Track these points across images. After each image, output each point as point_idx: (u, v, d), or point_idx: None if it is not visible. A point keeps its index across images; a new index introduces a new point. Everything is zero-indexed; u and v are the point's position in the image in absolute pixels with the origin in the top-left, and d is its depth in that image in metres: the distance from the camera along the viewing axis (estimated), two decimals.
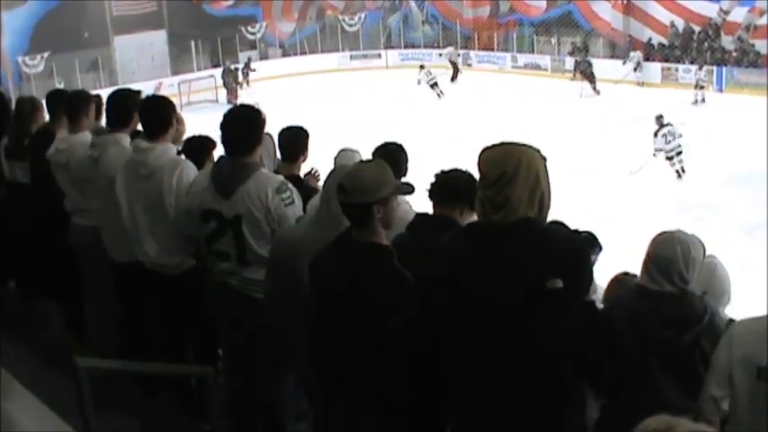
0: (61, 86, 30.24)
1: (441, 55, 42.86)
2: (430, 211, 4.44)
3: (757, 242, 15.46)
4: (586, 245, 3.20)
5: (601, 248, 4.72)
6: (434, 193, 4.43)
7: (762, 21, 33.56)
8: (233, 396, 5.08)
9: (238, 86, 38.68)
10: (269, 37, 46.74)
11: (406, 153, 5.27)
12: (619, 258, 5.11)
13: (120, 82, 37.65)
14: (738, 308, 4.26)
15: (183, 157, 5.42)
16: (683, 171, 21.05)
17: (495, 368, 3.17)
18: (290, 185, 4.69)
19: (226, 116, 4.73)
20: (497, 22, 43.79)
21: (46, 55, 38.89)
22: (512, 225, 3.09)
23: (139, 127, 5.64)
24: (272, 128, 5.62)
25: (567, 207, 5.13)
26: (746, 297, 5.27)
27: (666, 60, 35.88)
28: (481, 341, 3.18)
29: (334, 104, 32.87)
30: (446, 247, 3.42)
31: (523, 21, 42.93)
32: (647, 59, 36.09)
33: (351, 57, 46.13)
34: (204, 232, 4.78)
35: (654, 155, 21.03)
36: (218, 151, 5.22)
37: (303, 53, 46.59)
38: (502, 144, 3.24)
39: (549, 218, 3.29)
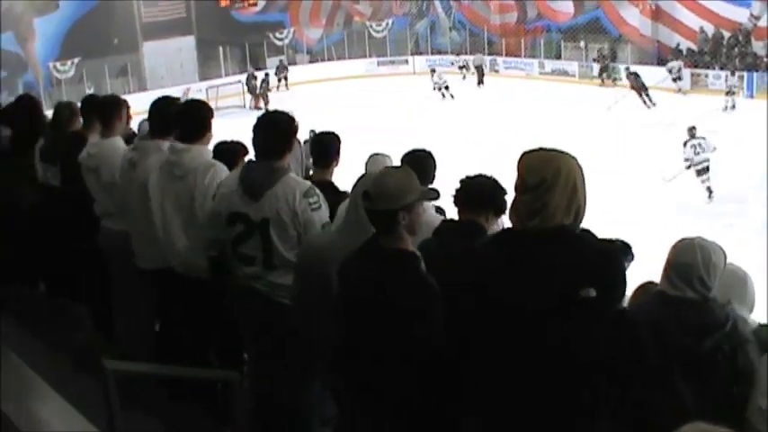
0: (91, 91, 30.57)
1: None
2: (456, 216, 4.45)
3: None
4: (621, 253, 3.18)
5: (633, 257, 4.69)
6: (459, 198, 4.44)
7: None
8: (258, 401, 5.09)
9: (268, 91, 38.78)
10: (296, 43, 46.92)
11: (434, 160, 5.30)
12: (644, 265, 5.08)
13: (148, 87, 38.03)
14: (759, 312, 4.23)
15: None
16: (712, 191, 20.41)
17: (523, 377, 3.13)
18: (317, 191, 4.70)
19: (259, 120, 4.78)
20: (525, 28, 43.69)
21: (76, 60, 39.27)
22: (547, 232, 3.07)
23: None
24: (300, 133, 5.64)
25: (595, 213, 5.10)
26: None
27: (695, 66, 35.61)
28: (509, 349, 3.15)
29: (362, 110, 32.91)
30: (474, 254, 3.41)
31: (551, 27, 42.81)
32: (674, 59, 35.83)
33: (378, 63, 46.20)
34: (230, 235, 4.80)
35: (688, 167, 20.58)
36: (250, 157, 5.25)
37: (330, 59, 46.71)
38: (540, 150, 3.21)
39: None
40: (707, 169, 20.43)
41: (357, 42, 47.79)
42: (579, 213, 3.14)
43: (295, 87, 41.27)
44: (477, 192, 4.40)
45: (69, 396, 3.93)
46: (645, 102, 32.05)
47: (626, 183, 20.94)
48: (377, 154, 5.98)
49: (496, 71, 42.80)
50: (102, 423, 4.03)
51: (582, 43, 40.87)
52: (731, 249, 3.91)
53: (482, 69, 41.34)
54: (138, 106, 6.57)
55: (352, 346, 3.71)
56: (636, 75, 32.83)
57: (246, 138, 5.52)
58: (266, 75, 39.64)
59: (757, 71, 33.09)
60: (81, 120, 6.97)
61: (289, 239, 4.64)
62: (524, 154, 3.18)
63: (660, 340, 3.59)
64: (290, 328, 4.57)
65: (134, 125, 6.88)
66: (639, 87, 32.41)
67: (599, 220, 3.32)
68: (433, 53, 46.44)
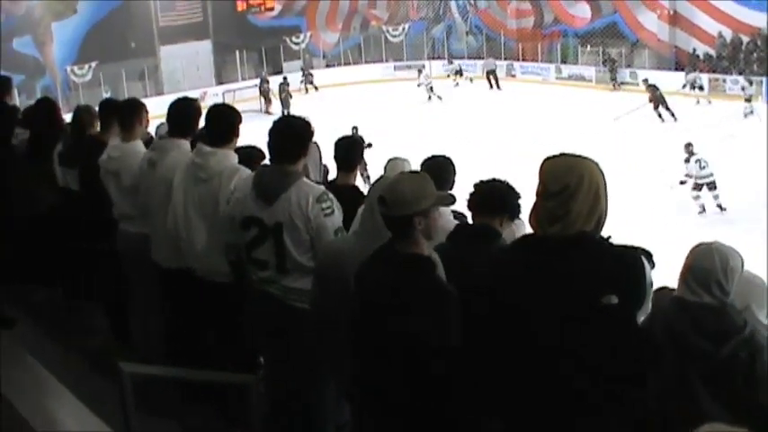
0: (108, 95, 30.69)
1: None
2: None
3: None
4: (644, 261, 3.16)
5: (653, 265, 4.68)
6: (473, 202, 4.46)
7: None
8: (273, 405, 5.09)
9: (290, 96, 38.89)
10: (313, 47, 46.96)
11: (453, 165, 5.31)
12: (660, 271, 5.06)
13: (165, 91, 38.17)
14: None
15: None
16: (723, 208, 20.27)
17: (540, 382, 3.13)
18: (330, 195, 4.69)
19: (275, 124, 4.78)
20: (541, 33, 43.61)
21: (94, 64, 39.48)
22: (568, 238, 3.06)
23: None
24: (322, 138, 5.67)
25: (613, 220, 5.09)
26: None
27: (713, 71, 35.46)
28: (527, 354, 3.15)
29: (379, 115, 32.93)
30: (494, 259, 3.41)
31: (568, 31, 42.70)
32: (694, 70, 35.71)
33: (395, 67, 46.19)
34: (245, 239, 4.80)
35: (682, 182, 20.37)
36: (266, 162, 5.27)
37: (347, 64, 46.76)
38: (563, 155, 3.20)
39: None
40: (715, 185, 20.33)
41: (374, 47, 47.82)
42: (601, 220, 3.13)
43: (310, 92, 41.35)
44: (491, 196, 4.42)
45: (84, 397, 3.95)
46: (660, 115, 30.78)
47: (642, 187, 20.85)
48: (395, 158, 5.99)
49: (513, 76, 42.73)
50: (116, 424, 4.04)
51: (599, 49, 40.74)
52: (748, 255, 3.88)
53: (495, 74, 41.53)
54: (156, 110, 6.60)
55: (369, 351, 3.71)
56: (654, 87, 31.54)
57: (261, 142, 5.55)
58: (285, 78, 39.65)
59: None
60: (98, 123, 7.00)
61: (302, 244, 4.64)
62: (547, 160, 3.17)
63: (678, 346, 3.57)
64: (306, 332, 4.57)
65: (151, 129, 6.89)
66: (658, 100, 31.06)
67: (616, 226, 3.29)
68: (449, 58, 46.36)
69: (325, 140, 6.13)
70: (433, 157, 5.38)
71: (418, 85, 39.15)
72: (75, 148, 6.98)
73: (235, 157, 5.34)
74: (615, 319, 3.02)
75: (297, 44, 46.31)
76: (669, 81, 34.40)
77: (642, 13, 38.96)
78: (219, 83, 43.00)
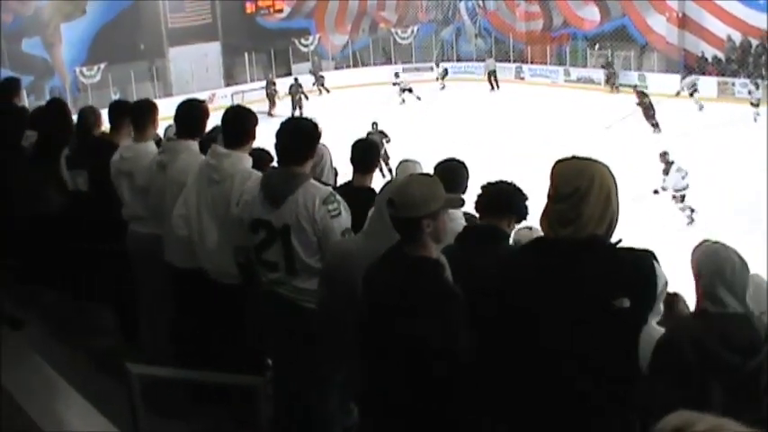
0: (117, 97, 30.76)
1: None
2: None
3: None
4: (655, 265, 3.16)
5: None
6: (481, 204, 4.47)
7: None
8: (282, 407, 5.08)
9: (303, 97, 38.98)
10: (321, 49, 46.98)
11: (467, 169, 5.31)
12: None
13: (174, 93, 38.17)
14: None
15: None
16: (694, 210, 20.00)
17: (550, 385, 3.12)
18: (338, 197, 4.69)
19: (282, 125, 4.78)
20: (550, 36, 43.56)
21: (103, 66, 39.52)
22: (580, 241, 3.05)
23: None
24: (331, 140, 5.67)
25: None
26: None
27: (722, 75, 35.37)
28: (536, 357, 3.14)
29: (387, 117, 32.91)
30: (505, 261, 3.40)
31: (577, 34, 42.64)
32: (701, 73, 35.65)
33: (403, 69, 46.17)
34: (254, 242, 4.80)
35: (656, 191, 20.17)
36: (274, 164, 5.27)
37: (356, 66, 46.76)
38: (574, 158, 3.20)
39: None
40: (685, 196, 20.05)
41: (382, 49, 47.82)
42: (612, 223, 3.13)
43: (323, 93, 41.38)
44: (498, 197, 4.46)
45: (92, 398, 3.95)
46: (651, 123, 29.63)
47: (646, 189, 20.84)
48: (406, 160, 6.01)
49: (522, 78, 42.69)
50: (124, 425, 4.04)
51: (609, 52, 40.68)
52: (749, 255, 3.87)
53: (495, 75, 41.88)
54: (164, 111, 6.60)
55: (376, 352, 3.71)
56: (643, 93, 30.63)
57: (263, 143, 5.57)
58: (296, 79, 39.68)
59: None
60: (104, 125, 7.02)
61: (310, 245, 4.64)
62: (558, 162, 3.17)
63: (703, 358, 3.52)
64: (314, 333, 4.57)
65: (159, 131, 6.89)
66: (646, 107, 29.95)
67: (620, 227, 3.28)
68: (458, 60, 46.36)
69: (335, 142, 6.13)
70: (447, 160, 5.39)
71: (393, 83, 40.06)
72: (81, 149, 6.99)
73: (249, 161, 5.34)
74: (627, 323, 3.01)
75: (306, 46, 46.32)
76: (678, 84, 34.37)
77: (651, 16, 38.88)
78: (228, 84, 43.04)
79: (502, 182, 4.60)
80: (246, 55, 43.70)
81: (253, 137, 5.39)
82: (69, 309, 7.31)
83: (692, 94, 33.31)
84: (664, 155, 20.33)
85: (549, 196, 3.14)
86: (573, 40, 42.80)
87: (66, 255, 7.12)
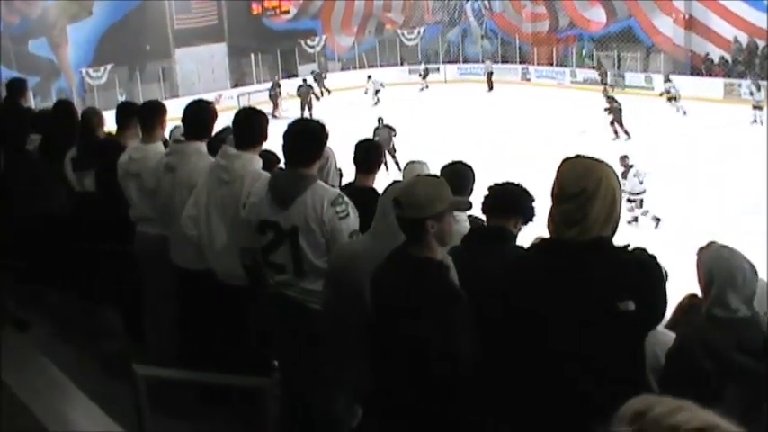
0: (123, 98, 30.83)
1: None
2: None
3: None
4: (661, 268, 3.15)
5: (667, 274, 4.67)
6: (488, 205, 4.47)
7: None
8: (288, 408, 5.08)
9: (316, 98, 39.11)
10: (328, 51, 47.02)
11: (473, 172, 5.30)
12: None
13: (180, 94, 38.27)
14: None
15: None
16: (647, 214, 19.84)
17: (554, 386, 3.11)
18: (345, 199, 4.68)
19: (289, 127, 4.76)
20: (557, 37, 43.56)
21: (109, 67, 39.57)
22: (588, 243, 3.04)
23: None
24: (336, 141, 5.67)
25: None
26: None
27: (729, 76, 35.31)
28: (542, 358, 3.13)
29: (393, 119, 32.93)
30: (510, 262, 3.39)
31: (583, 35, 42.65)
32: (708, 75, 35.60)
33: (409, 71, 46.21)
34: (261, 244, 4.80)
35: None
36: (281, 166, 5.26)
37: (362, 67, 46.78)
38: (580, 158, 3.19)
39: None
40: (643, 201, 19.85)
41: (389, 50, 47.85)
42: (617, 225, 3.12)
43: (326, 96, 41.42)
44: (505, 198, 4.45)
45: (99, 399, 3.94)
46: (615, 132, 28.98)
47: (658, 191, 20.83)
48: (413, 161, 6.01)
49: (528, 80, 42.72)
50: (129, 426, 4.04)
51: (615, 53, 40.67)
52: (749, 255, 3.86)
53: (491, 76, 42.36)
54: (171, 113, 6.61)
55: (383, 353, 3.70)
56: (612, 98, 29.95)
57: (270, 145, 5.56)
58: (305, 81, 39.73)
59: None
60: (105, 125, 7.04)
61: (318, 247, 4.62)
62: (565, 161, 3.16)
63: (717, 362, 3.51)
64: (322, 334, 4.56)
65: (166, 132, 6.90)
66: (615, 113, 29.30)
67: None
68: (464, 61, 46.40)
69: (340, 144, 6.13)
70: (453, 163, 5.39)
71: (365, 92, 40.52)
72: (85, 150, 6.99)
73: (259, 162, 5.33)
74: (631, 325, 3.00)
75: (312, 47, 46.40)
76: (684, 85, 34.33)
77: (657, 18, 38.84)
78: (234, 86, 43.09)
79: (509, 183, 4.60)
80: (253, 56, 43.76)
81: (264, 138, 5.39)
82: (75, 310, 7.32)
83: (669, 100, 33.08)
84: (623, 158, 20.00)
85: (554, 196, 3.13)
86: (579, 42, 42.80)
87: (72, 255, 7.12)
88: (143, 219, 6.20)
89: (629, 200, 19.35)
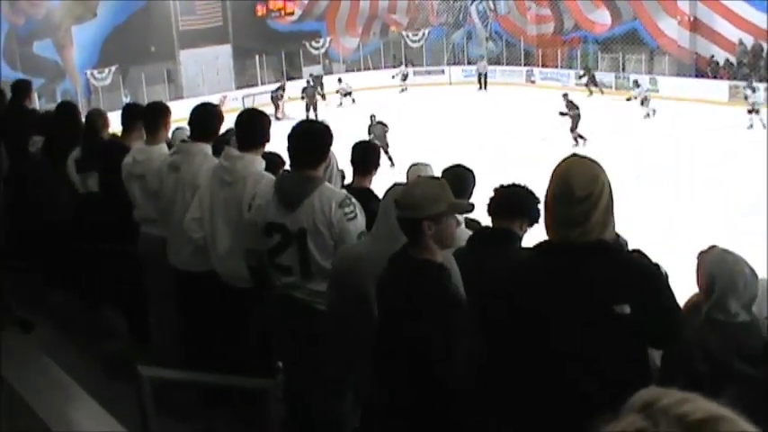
0: (127, 100, 30.87)
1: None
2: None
3: None
4: (662, 273, 3.14)
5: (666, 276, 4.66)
6: (494, 207, 4.47)
7: None
8: (294, 409, 5.07)
9: (322, 98, 39.23)
10: (332, 52, 47.03)
11: (473, 176, 5.30)
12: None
13: (185, 95, 38.27)
14: None
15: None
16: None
17: (554, 388, 3.11)
18: (353, 200, 4.68)
19: (294, 129, 4.75)
20: (561, 39, 43.51)
21: (114, 68, 39.60)
22: (588, 245, 3.04)
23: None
24: (339, 143, 5.67)
25: (629, 223, 5.07)
26: None
27: (734, 78, 35.24)
28: (542, 359, 3.13)
29: (399, 120, 32.95)
30: (513, 264, 3.38)
31: (588, 38, 42.59)
32: (713, 77, 35.57)
33: (414, 73, 46.20)
34: (267, 246, 4.78)
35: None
36: (286, 167, 5.27)
37: (366, 69, 46.78)
38: (580, 160, 3.17)
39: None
40: None
41: (394, 52, 47.85)
42: (613, 230, 3.12)
43: (330, 96, 41.40)
44: (510, 200, 4.45)
45: (102, 400, 3.94)
46: (576, 139, 27.93)
47: (652, 193, 20.86)
48: (417, 163, 6.01)
49: (533, 82, 42.66)
50: (133, 426, 4.04)
51: (619, 55, 40.64)
52: (749, 256, 3.85)
53: (485, 76, 42.76)
54: (175, 114, 6.62)
55: (387, 355, 3.70)
56: (573, 105, 28.92)
57: (276, 146, 5.55)
58: (308, 81, 39.74)
59: None
60: (110, 127, 7.05)
61: (326, 249, 4.62)
62: (568, 164, 3.14)
63: (715, 367, 3.50)
64: (328, 335, 4.56)
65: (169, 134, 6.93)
66: (573, 119, 28.39)
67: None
68: (469, 63, 46.35)
69: (344, 145, 6.12)
70: (453, 166, 5.39)
71: (337, 91, 40.92)
72: (89, 151, 6.99)
73: (262, 163, 5.33)
74: (627, 329, 2.99)
75: (316, 49, 46.39)
76: (689, 88, 34.30)
77: (662, 20, 38.77)
78: (239, 87, 43.09)
79: (514, 185, 4.60)
80: (257, 57, 43.77)
81: (266, 139, 5.39)
82: (79, 311, 7.32)
83: (642, 103, 32.96)
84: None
85: (555, 197, 3.11)
86: (584, 44, 42.75)
87: (76, 256, 7.12)
88: (147, 220, 6.20)
89: None
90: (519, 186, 4.60)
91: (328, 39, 46.68)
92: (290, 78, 42.34)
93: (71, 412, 3.91)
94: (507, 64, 44.32)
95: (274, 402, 4.70)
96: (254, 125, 5.39)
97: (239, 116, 5.46)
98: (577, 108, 28.69)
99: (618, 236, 3.87)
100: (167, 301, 6.03)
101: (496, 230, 4.46)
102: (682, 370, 3.55)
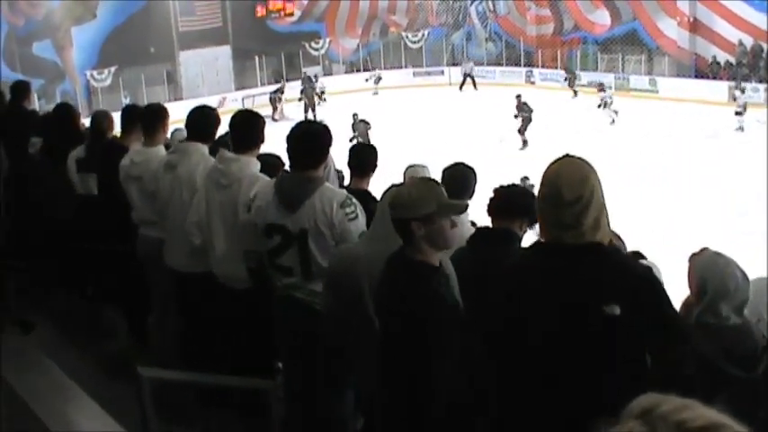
0: (127, 101, 30.87)
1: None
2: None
3: None
4: (655, 274, 3.14)
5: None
6: (494, 207, 4.47)
7: None
8: (295, 410, 5.07)
9: (323, 99, 39.20)
10: (332, 53, 47.02)
11: (475, 174, 5.29)
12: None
13: (184, 96, 38.30)
14: None
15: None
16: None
17: (549, 389, 3.10)
18: (354, 200, 4.68)
19: (293, 130, 4.75)
20: (561, 40, 43.49)
21: (113, 69, 39.59)
22: (581, 247, 3.03)
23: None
24: (338, 143, 5.67)
25: (623, 225, 5.06)
26: None
27: (733, 79, 35.22)
28: (536, 362, 3.12)
29: (398, 121, 32.98)
30: (509, 265, 3.39)
31: (587, 38, 42.57)
32: (714, 77, 35.56)
33: (414, 73, 46.19)
34: (267, 247, 4.78)
35: None
36: (285, 168, 5.26)
37: (366, 69, 46.75)
38: (572, 162, 3.17)
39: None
40: None
41: (393, 53, 47.84)
42: (607, 231, 3.12)
43: (330, 97, 41.41)
44: (510, 200, 4.45)
45: (103, 401, 3.94)
46: (522, 139, 28.44)
47: (652, 194, 20.88)
48: (414, 165, 6.01)
49: (532, 83, 42.60)
50: (133, 427, 4.04)
51: (619, 56, 40.62)
52: (749, 256, 3.86)
53: (472, 76, 42.89)
54: (175, 115, 6.63)
55: (388, 356, 3.70)
56: (526, 105, 29.07)
57: (271, 148, 5.55)
58: (315, 77, 39.81)
59: None
60: (115, 128, 7.05)
61: (327, 249, 4.62)
62: (559, 165, 3.13)
63: (705, 371, 3.49)
64: (326, 336, 4.56)
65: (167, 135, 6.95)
66: (524, 120, 28.74)
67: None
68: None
69: (342, 146, 6.14)
70: (454, 165, 5.38)
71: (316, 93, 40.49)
72: (92, 152, 7.00)
73: (257, 165, 5.33)
74: (618, 330, 2.98)
75: (316, 50, 46.39)
76: (688, 89, 34.28)
77: (662, 20, 38.74)
78: (239, 88, 43.07)
79: (514, 185, 4.62)
80: (257, 58, 43.76)
81: (261, 140, 5.38)
82: (79, 311, 7.32)
83: (604, 107, 32.75)
84: (523, 180, 19.56)
85: (543, 199, 3.11)
86: (584, 44, 42.73)
87: (75, 257, 7.12)
88: (145, 221, 6.20)
89: None
90: (519, 187, 4.62)
91: (328, 40, 46.66)
92: (289, 79, 42.31)
93: (71, 413, 3.90)
94: (507, 64, 44.28)
95: (274, 402, 4.70)
96: (248, 126, 5.38)
97: (233, 118, 5.46)
98: (530, 110, 28.76)
99: (618, 237, 3.86)
100: (167, 302, 6.03)
101: (496, 230, 4.46)
102: (672, 373, 3.55)
